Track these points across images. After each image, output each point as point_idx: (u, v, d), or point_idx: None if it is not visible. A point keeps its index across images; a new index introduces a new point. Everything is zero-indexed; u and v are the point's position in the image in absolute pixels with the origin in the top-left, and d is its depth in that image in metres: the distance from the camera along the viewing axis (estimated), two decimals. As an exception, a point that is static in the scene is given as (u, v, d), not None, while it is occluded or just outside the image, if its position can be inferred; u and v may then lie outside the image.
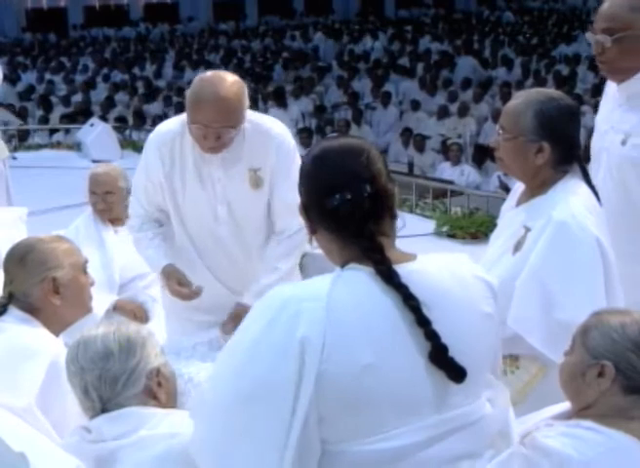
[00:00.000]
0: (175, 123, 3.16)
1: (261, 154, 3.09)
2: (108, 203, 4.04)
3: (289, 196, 2.96)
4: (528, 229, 2.51)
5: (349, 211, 1.68)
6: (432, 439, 1.70)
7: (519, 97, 2.56)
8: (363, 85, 15.09)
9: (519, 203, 2.64)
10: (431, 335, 1.66)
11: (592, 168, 3.11)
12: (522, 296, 2.45)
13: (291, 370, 1.60)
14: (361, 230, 1.69)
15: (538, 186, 2.55)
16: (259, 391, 1.62)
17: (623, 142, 2.89)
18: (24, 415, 2.10)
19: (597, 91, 12.61)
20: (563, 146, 2.50)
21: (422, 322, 1.66)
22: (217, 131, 2.91)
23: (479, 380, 1.78)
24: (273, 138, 3.10)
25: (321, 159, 1.75)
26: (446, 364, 1.68)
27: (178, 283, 3.12)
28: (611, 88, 3.14)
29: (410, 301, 1.66)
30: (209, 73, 3.02)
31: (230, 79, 2.95)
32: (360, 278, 1.69)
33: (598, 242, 2.43)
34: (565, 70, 14.87)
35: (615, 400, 1.93)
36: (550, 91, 2.57)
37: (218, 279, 3.26)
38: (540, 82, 13.23)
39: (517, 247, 2.52)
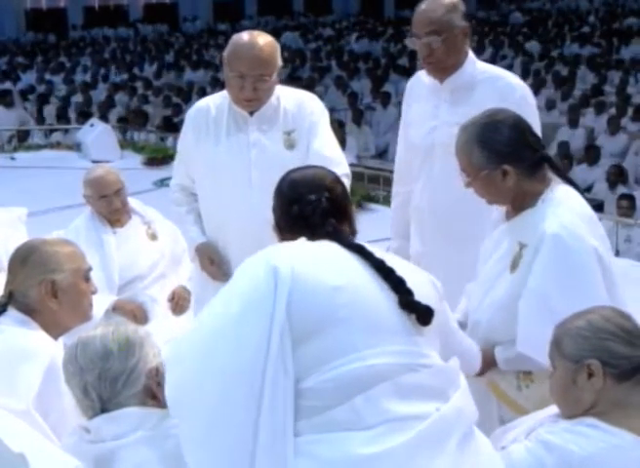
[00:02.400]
0: (213, 96, 3.48)
1: (296, 117, 3.32)
2: (122, 199, 4.01)
3: (325, 149, 3.29)
4: (523, 245, 2.46)
5: (311, 210, 1.98)
6: (404, 366, 1.83)
7: (460, 136, 2.52)
8: (362, 85, 15.09)
9: (509, 216, 2.58)
10: (398, 281, 1.87)
11: (421, 165, 3.27)
12: (527, 318, 2.41)
13: (265, 299, 1.79)
14: (324, 223, 1.97)
15: (523, 201, 2.50)
16: (235, 322, 1.80)
17: None
18: (23, 418, 2.09)
19: (597, 91, 12.65)
20: (524, 159, 2.46)
21: (387, 271, 1.88)
22: (253, 79, 3.15)
23: (434, 336, 1.95)
24: (307, 102, 3.36)
25: (294, 182, 2.08)
26: (415, 306, 1.87)
27: (210, 261, 3.35)
28: (420, 87, 3.35)
29: (373, 257, 1.90)
30: (246, 31, 3.33)
31: (264, 35, 3.27)
32: (325, 243, 1.95)
33: (595, 251, 2.40)
34: (564, 70, 14.88)
35: (612, 393, 1.94)
36: (483, 114, 2.53)
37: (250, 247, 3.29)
38: (540, 82, 13.24)
39: (514, 265, 2.48)
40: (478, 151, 2.45)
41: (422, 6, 3.20)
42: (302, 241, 1.96)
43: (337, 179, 2.09)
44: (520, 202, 2.50)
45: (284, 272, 1.81)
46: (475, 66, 3.27)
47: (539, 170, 2.49)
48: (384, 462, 1.75)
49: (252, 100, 3.22)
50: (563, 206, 2.45)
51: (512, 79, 3.26)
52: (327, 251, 1.93)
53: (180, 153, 3.50)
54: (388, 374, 1.81)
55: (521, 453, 1.94)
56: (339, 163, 3.26)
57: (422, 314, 1.88)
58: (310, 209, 1.99)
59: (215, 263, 3.35)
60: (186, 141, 3.42)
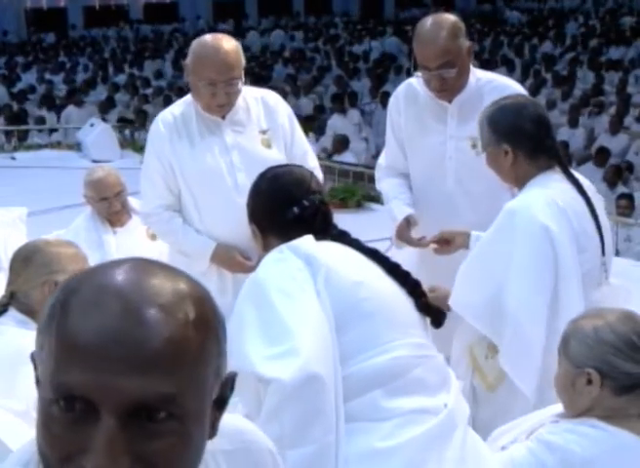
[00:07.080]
0: (176, 105, 3.33)
1: (266, 116, 3.27)
2: (122, 201, 4.02)
3: (299, 152, 3.31)
4: None
5: (312, 213, 2.03)
6: (418, 358, 1.93)
7: (483, 111, 2.72)
8: (362, 85, 15.09)
9: None
10: (414, 285, 2.01)
11: (428, 181, 3.24)
12: (464, 279, 2.58)
13: (306, 283, 1.89)
14: (327, 227, 2.05)
15: (521, 185, 2.64)
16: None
17: (474, 146, 3.05)
18: (23, 418, 2.09)
19: (597, 91, 12.65)
20: (522, 143, 2.60)
21: (403, 275, 2.00)
22: (224, 85, 3.08)
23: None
24: (272, 100, 3.33)
25: (276, 179, 2.10)
26: (430, 309, 2.01)
27: (240, 257, 3.17)
28: (416, 98, 3.31)
29: (388, 262, 2.02)
30: (206, 35, 3.24)
31: (226, 37, 3.21)
32: (337, 244, 2.03)
33: (547, 231, 2.47)
34: (565, 70, 14.87)
35: (609, 402, 1.94)
36: (506, 97, 2.73)
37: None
38: (541, 82, 13.24)
39: None
40: (486, 127, 2.65)
41: (427, 36, 3.04)
42: (311, 238, 2.01)
43: (318, 181, 2.16)
44: (520, 186, 2.65)
45: (317, 266, 1.90)
46: (477, 77, 3.20)
47: (536, 158, 2.62)
48: (399, 455, 1.82)
49: (224, 106, 3.15)
50: (539, 188, 2.57)
51: (517, 87, 3.20)
52: (346, 250, 2.02)
53: (157, 170, 3.23)
54: (406, 367, 1.90)
55: (522, 454, 1.94)
56: (312, 155, 3.40)
57: (436, 317, 2.00)
58: (311, 212, 2.04)
59: (244, 257, 3.18)
60: (163, 154, 3.21)
